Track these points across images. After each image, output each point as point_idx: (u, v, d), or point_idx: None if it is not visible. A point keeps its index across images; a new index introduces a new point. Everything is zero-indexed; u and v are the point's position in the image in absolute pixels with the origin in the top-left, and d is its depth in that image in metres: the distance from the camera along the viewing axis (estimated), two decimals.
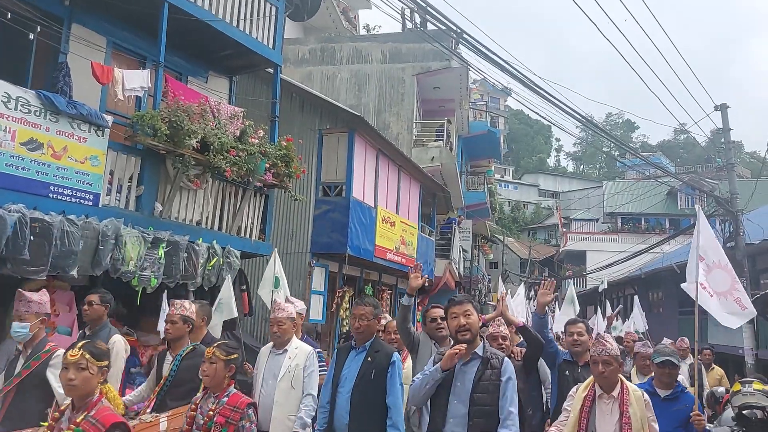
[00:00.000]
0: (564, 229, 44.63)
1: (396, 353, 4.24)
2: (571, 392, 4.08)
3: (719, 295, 5.08)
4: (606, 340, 3.92)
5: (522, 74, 9.93)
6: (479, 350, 3.68)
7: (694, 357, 5.29)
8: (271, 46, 9.17)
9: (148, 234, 6.69)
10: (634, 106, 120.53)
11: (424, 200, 16.45)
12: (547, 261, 43.96)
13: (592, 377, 3.99)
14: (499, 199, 44.67)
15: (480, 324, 4.55)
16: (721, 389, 7.72)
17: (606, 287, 17.39)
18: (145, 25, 7.66)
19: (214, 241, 7.70)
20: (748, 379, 5.97)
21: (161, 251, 6.80)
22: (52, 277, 5.99)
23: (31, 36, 6.26)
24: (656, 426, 3.81)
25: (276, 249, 7.66)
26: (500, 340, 4.92)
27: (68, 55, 6.97)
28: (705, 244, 5.22)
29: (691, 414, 4.29)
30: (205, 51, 8.76)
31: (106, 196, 6.57)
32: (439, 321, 5.00)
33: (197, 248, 7.34)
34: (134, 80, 6.85)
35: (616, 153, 53.21)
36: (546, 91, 10.54)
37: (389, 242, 13.02)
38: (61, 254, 5.70)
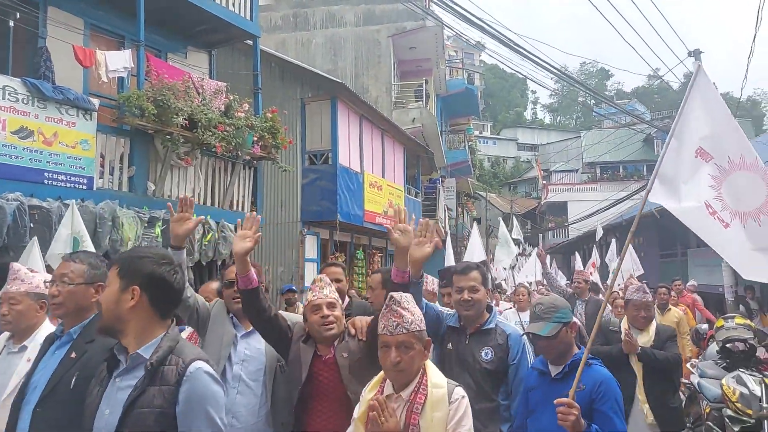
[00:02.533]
0: (544, 182, 45.15)
1: None
2: (363, 392, 2.51)
3: (743, 217, 2.78)
4: (403, 305, 2.34)
5: (495, 30, 9.98)
6: (144, 351, 1.92)
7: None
8: (248, 17, 9.12)
9: (144, 214, 6.78)
10: (608, 54, 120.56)
11: (408, 162, 16.58)
12: (530, 214, 44.52)
13: (382, 372, 2.46)
14: (478, 155, 44.92)
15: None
16: (704, 326, 8.14)
17: (602, 233, 17.53)
18: (121, 3, 7.59)
19: (208, 217, 7.81)
20: (730, 314, 6.34)
21: (158, 230, 6.91)
22: None
23: (11, 23, 6.20)
24: None
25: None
26: (325, 310, 2.86)
27: (47, 39, 6.91)
28: (713, 126, 2.84)
29: (555, 400, 2.63)
30: (183, 26, 8.70)
31: (99, 179, 6.63)
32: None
33: None
34: (117, 61, 6.83)
35: (592, 102, 53.44)
36: (519, 46, 10.62)
37: (377, 206, 13.20)
38: None
